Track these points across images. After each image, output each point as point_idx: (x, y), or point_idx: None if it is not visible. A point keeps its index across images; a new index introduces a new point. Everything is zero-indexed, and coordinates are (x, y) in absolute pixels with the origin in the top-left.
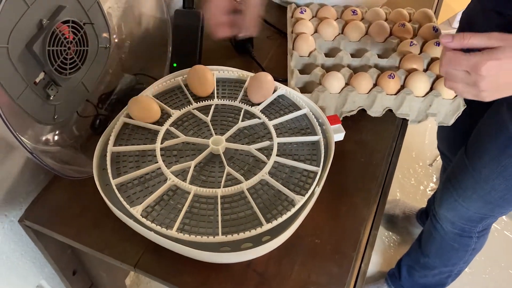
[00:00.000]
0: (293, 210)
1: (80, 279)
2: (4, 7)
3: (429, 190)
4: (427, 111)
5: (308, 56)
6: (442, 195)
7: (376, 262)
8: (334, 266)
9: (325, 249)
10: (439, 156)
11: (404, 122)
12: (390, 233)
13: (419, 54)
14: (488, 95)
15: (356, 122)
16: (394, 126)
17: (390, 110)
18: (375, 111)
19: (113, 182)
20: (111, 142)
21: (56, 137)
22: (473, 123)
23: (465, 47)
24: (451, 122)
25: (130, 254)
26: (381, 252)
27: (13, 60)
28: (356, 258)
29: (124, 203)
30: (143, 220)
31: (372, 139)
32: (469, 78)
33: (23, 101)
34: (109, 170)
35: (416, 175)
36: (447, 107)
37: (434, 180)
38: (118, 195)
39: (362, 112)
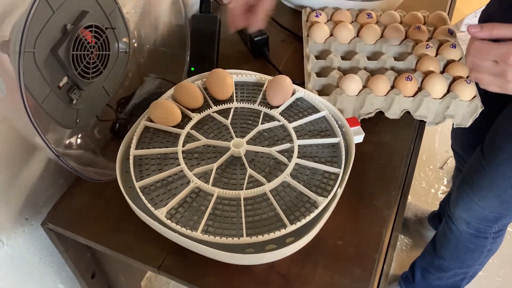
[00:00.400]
0: (316, 211)
1: (98, 282)
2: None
3: (440, 193)
4: (444, 113)
5: (325, 59)
6: (457, 195)
7: None
8: (357, 267)
9: (348, 250)
10: (450, 159)
11: (421, 124)
12: (402, 236)
13: (435, 56)
14: None
15: (374, 124)
16: (412, 128)
17: (408, 112)
18: (393, 113)
19: (137, 185)
20: (133, 145)
21: (78, 141)
22: (488, 123)
23: (494, 37)
24: (468, 123)
25: (153, 256)
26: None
27: (39, 65)
28: (378, 260)
29: (149, 205)
30: (168, 222)
31: (390, 141)
32: (496, 68)
33: (48, 105)
34: (132, 173)
35: (427, 178)
36: (465, 108)
37: (445, 183)
38: (142, 197)
39: (380, 114)
